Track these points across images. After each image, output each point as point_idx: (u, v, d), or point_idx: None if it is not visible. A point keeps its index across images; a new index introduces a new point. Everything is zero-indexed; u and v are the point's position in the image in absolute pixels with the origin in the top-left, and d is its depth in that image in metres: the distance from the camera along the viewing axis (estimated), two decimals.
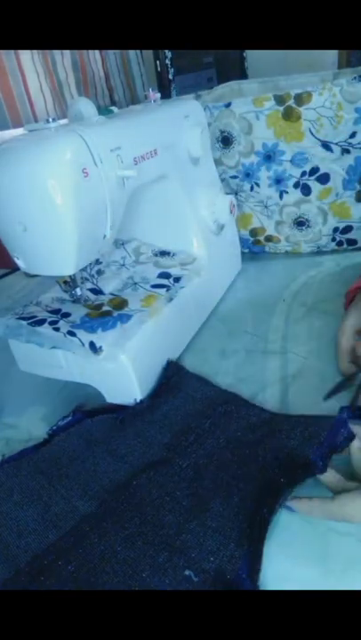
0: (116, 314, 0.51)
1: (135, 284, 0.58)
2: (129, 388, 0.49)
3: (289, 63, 1.48)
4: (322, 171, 0.70)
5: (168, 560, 0.34)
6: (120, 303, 0.54)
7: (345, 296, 0.56)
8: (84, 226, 0.43)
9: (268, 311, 0.64)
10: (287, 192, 0.73)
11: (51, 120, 0.43)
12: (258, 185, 0.74)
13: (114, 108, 0.52)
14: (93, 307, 0.53)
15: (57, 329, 0.49)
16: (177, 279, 0.57)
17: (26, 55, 1.01)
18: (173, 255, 0.63)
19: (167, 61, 1.37)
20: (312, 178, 0.71)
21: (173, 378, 0.52)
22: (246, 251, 0.81)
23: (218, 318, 0.65)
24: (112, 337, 0.47)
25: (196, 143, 0.60)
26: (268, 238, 0.78)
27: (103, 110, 0.51)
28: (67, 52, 1.13)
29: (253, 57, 1.72)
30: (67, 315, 0.52)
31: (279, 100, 0.66)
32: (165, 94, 1.36)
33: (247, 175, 0.74)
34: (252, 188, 0.74)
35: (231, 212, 0.66)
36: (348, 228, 0.74)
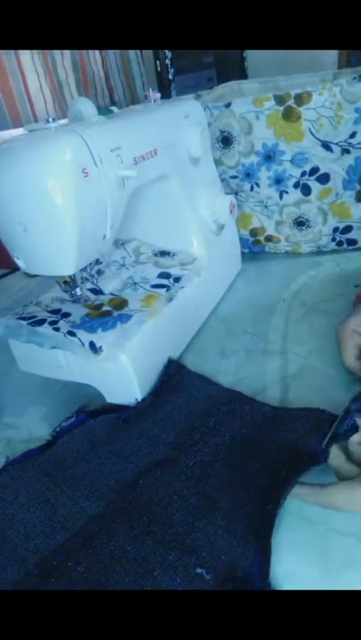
0: (116, 314, 0.51)
1: (135, 284, 0.58)
2: (129, 388, 0.49)
3: (289, 63, 1.48)
4: (322, 171, 0.70)
5: (179, 558, 0.34)
6: (120, 303, 0.54)
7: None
8: (84, 226, 0.43)
9: (268, 311, 0.64)
10: (287, 192, 0.73)
11: (51, 120, 0.43)
12: (258, 185, 0.74)
13: (114, 108, 0.52)
14: (93, 307, 0.53)
15: (57, 329, 0.49)
16: (177, 279, 0.57)
17: (26, 55, 1.01)
18: (173, 255, 0.63)
19: (167, 61, 1.37)
20: (312, 178, 0.71)
21: (175, 377, 0.52)
22: (246, 251, 0.81)
23: (218, 318, 0.65)
24: (112, 337, 0.47)
25: (196, 143, 0.60)
26: (268, 238, 0.78)
27: (103, 110, 0.51)
28: (67, 52, 1.13)
29: (253, 57, 1.72)
30: (67, 315, 0.52)
31: (279, 99, 0.66)
32: (165, 94, 1.36)
33: (247, 175, 0.74)
34: (252, 188, 0.75)
35: (231, 212, 0.66)
36: (348, 228, 0.74)
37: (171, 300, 0.55)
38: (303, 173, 0.71)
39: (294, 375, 0.52)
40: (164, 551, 0.34)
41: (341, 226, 0.74)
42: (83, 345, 0.47)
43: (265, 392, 0.50)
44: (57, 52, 1.10)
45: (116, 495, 0.40)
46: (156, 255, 0.63)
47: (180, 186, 0.60)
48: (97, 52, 1.23)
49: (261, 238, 0.79)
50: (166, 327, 0.53)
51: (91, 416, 0.49)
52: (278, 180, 0.72)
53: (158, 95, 0.60)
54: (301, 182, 0.71)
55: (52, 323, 0.50)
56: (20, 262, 0.46)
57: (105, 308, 0.53)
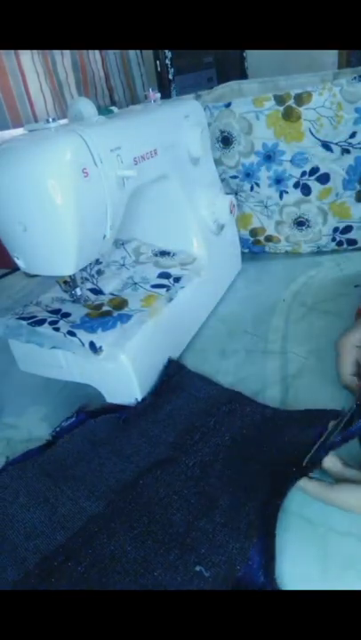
0: (116, 314, 0.51)
1: (135, 284, 0.58)
2: (129, 388, 0.49)
3: (289, 63, 1.48)
4: (322, 171, 0.70)
5: (179, 558, 0.34)
6: (120, 303, 0.54)
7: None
8: (84, 226, 0.43)
9: (268, 311, 0.64)
10: (287, 192, 0.73)
11: (51, 120, 0.43)
12: (258, 185, 0.74)
13: (114, 108, 0.52)
14: (93, 307, 0.53)
15: (57, 329, 0.49)
16: (177, 279, 0.57)
17: (26, 55, 1.01)
18: (173, 255, 0.63)
19: (167, 61, 1.37)
20: (312, 178, 0.71)
21: (175, 377, 0.52)
22: (246, 251, 0.81)
23: (218, 318, 0.65)
24: (112, 337, 0.47)
25: (196, 143, 0.60)
26: (268, 238, 0.78)
27: (103, 110, 0.51)
28: (67, 52, 1.13)
29: (253, 57, 1.72)
30: (67, 315, 0.52)
31: (279, 100, 0.66)
32: (165, 94, 1.36)
33: (247, 175, 0.74)
34: (252, 188, 0.75)
35: (231, 212, 0.66)
36: (348, 228, 0.74)
37: (171, 300, 0.55)
38: (303, 173, 0.71)
39: (294, 375, 0.52)
40: (164, 551, 0.34)
41: (341, 226, 0.74)
42: (83, 345, 0.47)
43: (265, 392, 0.50)
44: (57, 52, 1.10)
45: (117, 495, 0.40)
46: (156, 255, 0.63)
47: (180, 186, 0.60)
48: (97, 52, 1.23)
49: (261, 238, 0.79)
50: (166, 327, 0.53)
51: (91, 416, 0.49)
52: (278, 180, 0.72)
53: (158, 95, 0.60)
54: (301, 182, 0.71)
55: (52, 323, 0.50)
56: (20, 262, 0.46)
57: (105, 308, 0.53)
